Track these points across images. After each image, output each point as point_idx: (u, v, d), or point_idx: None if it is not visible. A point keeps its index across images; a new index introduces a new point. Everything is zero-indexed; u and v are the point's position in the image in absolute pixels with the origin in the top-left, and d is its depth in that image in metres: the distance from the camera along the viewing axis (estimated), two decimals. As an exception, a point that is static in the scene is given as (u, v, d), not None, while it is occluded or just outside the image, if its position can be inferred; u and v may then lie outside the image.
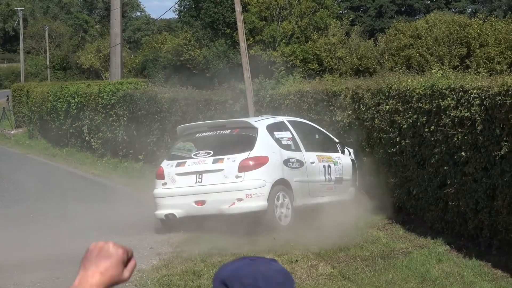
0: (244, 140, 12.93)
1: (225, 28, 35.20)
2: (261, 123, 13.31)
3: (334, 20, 33.08)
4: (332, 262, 10.18)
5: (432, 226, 11.70)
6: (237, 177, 12.38)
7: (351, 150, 14.65)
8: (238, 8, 18.20)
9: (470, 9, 64.09)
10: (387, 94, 13.14)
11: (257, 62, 31.09)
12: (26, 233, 13.11)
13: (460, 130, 10.62)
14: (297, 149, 13.40)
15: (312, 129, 14.37)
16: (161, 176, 13.02)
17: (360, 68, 28.66)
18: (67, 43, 65.72)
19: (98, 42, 58.43)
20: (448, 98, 10.95)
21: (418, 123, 11.89)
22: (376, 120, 13.40)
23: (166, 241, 12.17)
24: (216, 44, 35.10)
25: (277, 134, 13.22)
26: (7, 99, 41.85)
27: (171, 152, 13.55)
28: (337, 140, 14.48)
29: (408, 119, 12.19)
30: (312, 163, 13.51)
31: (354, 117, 14.51)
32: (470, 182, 10.50)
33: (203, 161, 12.74)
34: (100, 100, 25.59)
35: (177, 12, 41.74)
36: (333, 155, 14.21)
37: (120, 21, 31.63)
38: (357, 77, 19.28)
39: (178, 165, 12.93)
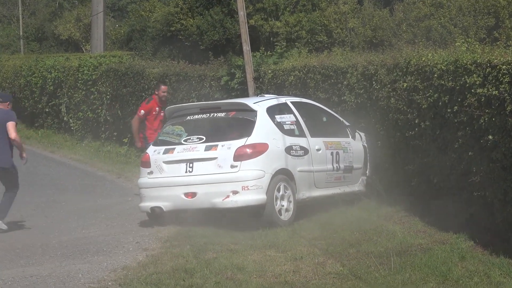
0: (241, 124, 12.86)
1: (222, -6, 35.04)
2: (260, 105, 13.22)
3: (345, -14, 32.88)
4: (342, 259, 10.18)
5: (454, 219, 11.70)
6: (232, 166, 12.34)
7: (362, 135, 14.62)
8: (236, -29, 18.11)
9: (499, -25, 64.01)
10: (404, 70, 13.10)
11: (257, 33, 30.99)
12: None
13: (487, 110, 10.59)
14: (302, 134, 13.35)
15: (319, 111, 14.32)
16: (146, 164, 12.98)
17: (374, 41, 28.55)
18: (43, 10, 65.51)
19: (78, 10, 58.25)
20: (474, 75, 10.91)
21: (440, 103, 11.86)
22: (392, 99, 13.36)
23: (154, 235, 12.16)
24: (211, 13, 34.98)
25: (279, 118, 13.16)
26: (-25, 74, 41.74)
27: (159, 137, 13.49)
28: (347, 123, 14.44)
29: (429, 98, 12.16)
30: (318, 150, 13.47)
31: (365, 97, 14.47)
32: (498, 170, 10.48)
33: (194, 147, 12.69)
34: (80, 75, 25.54)
35: (168, -24, 41.53)
36: (342, 140, 14.18)
37: (103, -14, 31.55)
38: (370, 51, 19.19)
39: (166, 151, 12.89)
